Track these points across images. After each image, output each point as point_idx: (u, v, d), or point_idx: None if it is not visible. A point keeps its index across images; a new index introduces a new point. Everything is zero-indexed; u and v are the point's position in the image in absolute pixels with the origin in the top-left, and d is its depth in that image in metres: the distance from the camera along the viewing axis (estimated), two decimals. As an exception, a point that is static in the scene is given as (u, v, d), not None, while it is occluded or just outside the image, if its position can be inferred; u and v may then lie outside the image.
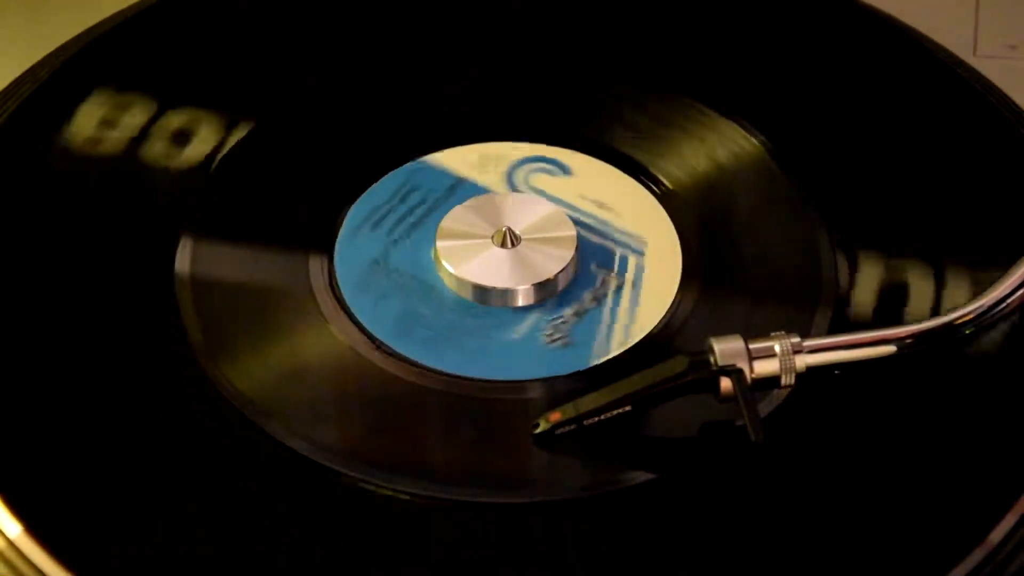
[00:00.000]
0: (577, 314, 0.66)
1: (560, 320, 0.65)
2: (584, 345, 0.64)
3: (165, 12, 0.77)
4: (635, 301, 0.66)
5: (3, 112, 0.71)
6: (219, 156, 0.71)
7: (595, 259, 0.68)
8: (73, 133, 0.71)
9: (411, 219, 0.69)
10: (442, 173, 0.71)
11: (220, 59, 0.75)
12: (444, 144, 0.72)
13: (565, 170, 0.71)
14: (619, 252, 0.68)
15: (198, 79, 0.74)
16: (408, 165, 0.71)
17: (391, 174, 0.71)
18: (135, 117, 0.72)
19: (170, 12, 0.77)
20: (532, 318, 0.66)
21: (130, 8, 0.77)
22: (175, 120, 0.72)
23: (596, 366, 0.64)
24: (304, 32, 0.77)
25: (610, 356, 0.64)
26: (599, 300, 0.66)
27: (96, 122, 0.72)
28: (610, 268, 0.67)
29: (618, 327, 0.65)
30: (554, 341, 0.65)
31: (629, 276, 0.67)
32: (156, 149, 0.71)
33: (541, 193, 0.70)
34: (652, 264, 0.68)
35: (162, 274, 0.66)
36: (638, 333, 0.65)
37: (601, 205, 0.70)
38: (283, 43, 0.76)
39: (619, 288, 0.66)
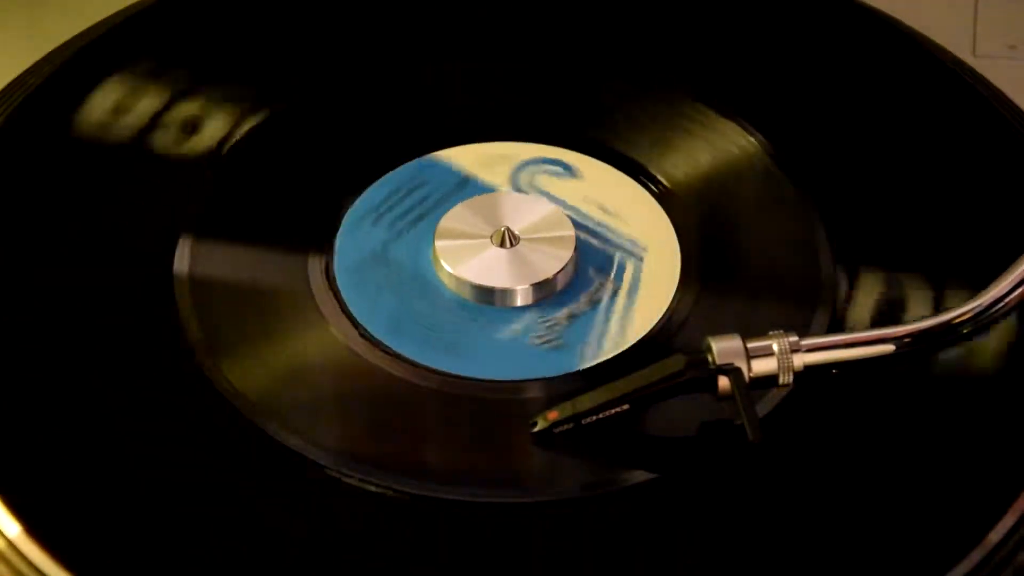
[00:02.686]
0: (571, 316, 0.66)
1: (552, 322, 0.65)
2: (578, 346, 0.64)
3: (162, 12, 0.77)
4: (632, 303, 0.66)
5: (2, 112, 0.71)
6: (219, 154, 0.71)
7: (594, 263, 0.68)
8: (71, 132, 0.71)
9: (414, 217, 0.69)
10: (448, 170, 0.71)
11: (220, 58, 0.75)
12: (448, 143, 0.72)
13: (571, 172, 0.71)
14: (618, 256, 0.68)
15: (197, 78, 0.74)
16: (413, 162, 0.71)
17: (395, 171, 0.71)
18: (134, 116, 0.72)
19: (167, 12, 0.77)
20: (531, 318, 0.66)
21: (128, 8, 0.77)
22: (174, 119, 0.72)
23: (592, 367, 0.64)
24: (305, 30, 0.77)
25: (604, 358, 0.64)
26: (594, 304, 0.66)
27: (94, 121, 0.72)
28: (607, 273, 0.67)
29: (613, 328, 0.65)
30: (545, 343, 0.65)
31: (627, 279, 0.67)
32: (155, 148, 0.71)
33: (545, 194, 0.70)
34: (651, 265, 0.68)
35: (161, 273, 0.66)
36: (635, 334, 0.65)
37: (604, 209, 0.70)
38: (284, 41, 0.76)
39: (615, 292, 0.66)
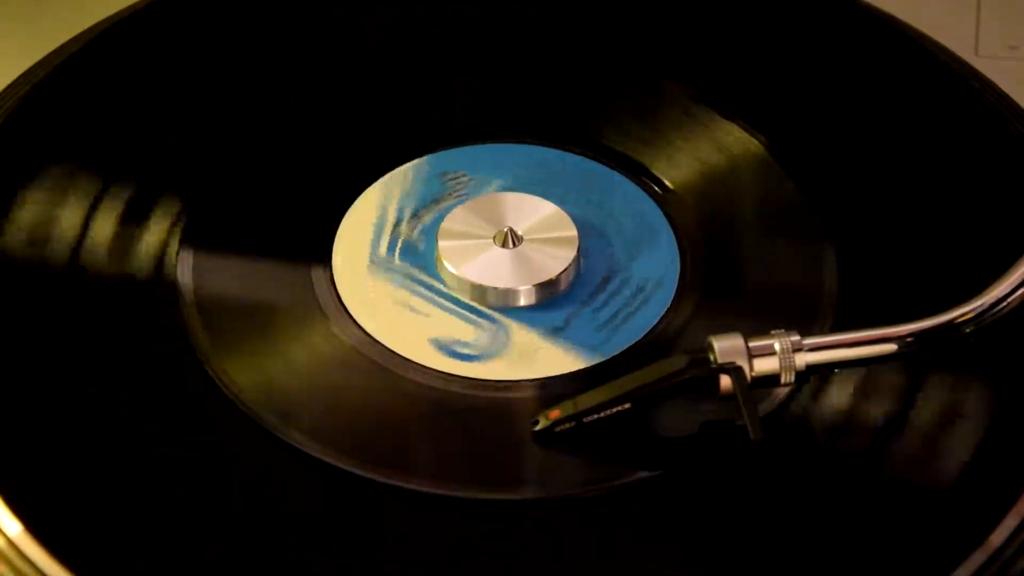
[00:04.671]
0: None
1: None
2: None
3: (158, 17, 0.76)
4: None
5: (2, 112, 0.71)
6: (218, 160, 0.71)
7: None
8: (70, 135, 0.71)
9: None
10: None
11: (214, 63, 0.75)
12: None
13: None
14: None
15: (194, 81, 0.74)
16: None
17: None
18: (132, 120, 0.72)
19: (163, 17, 0.77)
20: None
21: (124, 11, 0.77)
22: (173, 122, 0.72)
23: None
24: (298, 39, 0.77)
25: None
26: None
27: (92, 126, 0.72)
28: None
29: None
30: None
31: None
32: (155, 154, 0.71)
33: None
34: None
35: (164, 274, 0.66)
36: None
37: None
38: (279, 48, 0.76)
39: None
